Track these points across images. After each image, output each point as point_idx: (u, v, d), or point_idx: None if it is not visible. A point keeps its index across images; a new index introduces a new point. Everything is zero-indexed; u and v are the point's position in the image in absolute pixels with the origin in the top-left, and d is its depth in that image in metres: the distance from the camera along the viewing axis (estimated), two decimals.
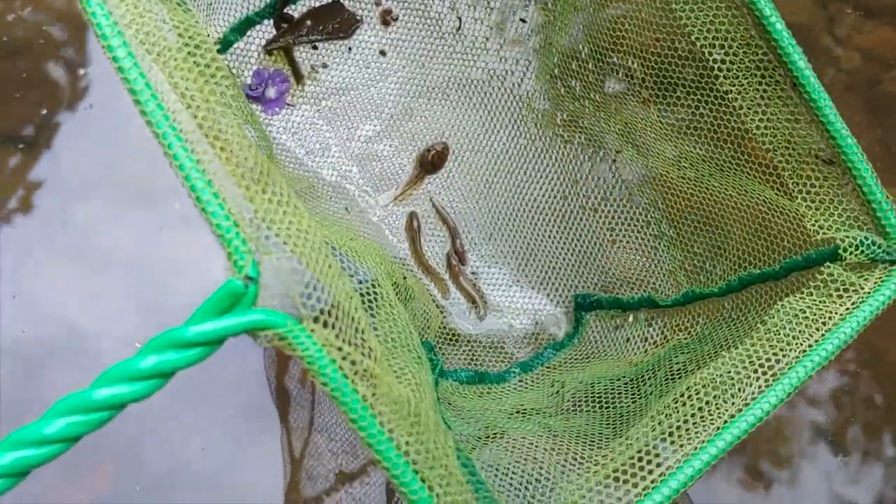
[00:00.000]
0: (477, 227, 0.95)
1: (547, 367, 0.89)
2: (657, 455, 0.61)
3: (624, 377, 0.82)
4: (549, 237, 0.94)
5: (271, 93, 0.87)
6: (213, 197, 0.53)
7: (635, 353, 0.86)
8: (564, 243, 0.93)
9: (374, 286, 0.67)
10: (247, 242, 0.52)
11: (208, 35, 0.61)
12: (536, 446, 0.71)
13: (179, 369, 0.52)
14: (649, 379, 0.80)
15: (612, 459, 0.62)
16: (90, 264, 1.09)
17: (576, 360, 0.89)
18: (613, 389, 0.81)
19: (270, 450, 0.98)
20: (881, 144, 1.26)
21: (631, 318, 0.89)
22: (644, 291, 0.88)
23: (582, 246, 0.92)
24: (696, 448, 0.61)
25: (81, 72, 1.19)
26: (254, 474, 0.98)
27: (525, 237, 0.94)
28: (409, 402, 0.55)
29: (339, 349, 0.53)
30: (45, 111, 1.17)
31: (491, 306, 0.93)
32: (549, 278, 0.94)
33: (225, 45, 0.83)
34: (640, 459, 0.61)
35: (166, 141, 0.53)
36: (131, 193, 1.10)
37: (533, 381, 0.87)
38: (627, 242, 0.89)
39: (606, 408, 0.79)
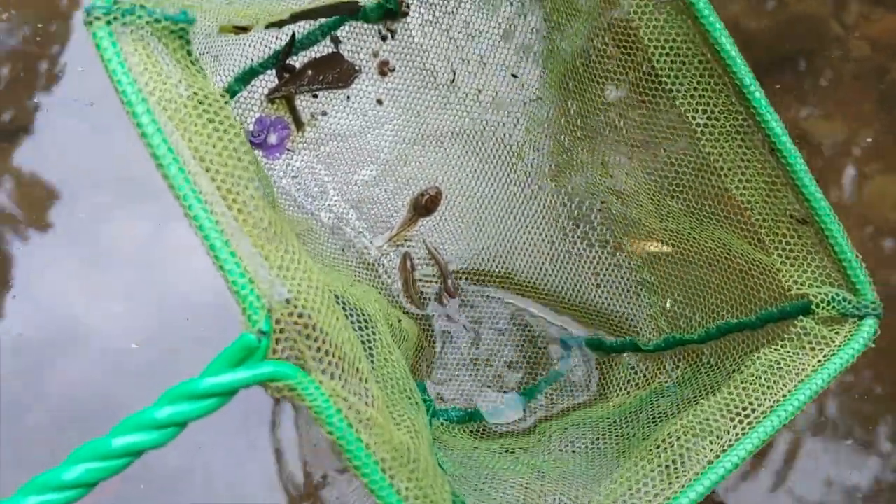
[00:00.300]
0: (467, 266, 0.99)
1: (532, 406, 0.93)
2: (640, 499, 0.65)
3: (608, 418, 0.86)
4: (538, 279, 0.97)
5: (273, 139, 0.90)
6: (230, 256, 0.56)
7: (618, 395, 0.90)
8: (554, 285, 0.97)
9: (373, 333, 0.71)
10: (261, 299, 0.56)
11: (217, 88, 0.64)
12: (527, 488, 0.75)
13: (194, 419, 0.55)
14: (633, 421, 0.84)
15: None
16: (91, 260, 1.10)
17: (561, 397, 0.93)
18: (597, 431, 0.85)
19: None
20: (890, 134, 1.27)
21: (615, 362, 0.93)
22: (627, 335, 0.92)
23: (571, 289, 0.96)
24: (676, 492, 0.65)
25: (80, 69, 1.20)
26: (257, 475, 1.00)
27: (514, 279, 0.98)
28: (409, 448, 0.59)
29: (345, 399, 0.57)
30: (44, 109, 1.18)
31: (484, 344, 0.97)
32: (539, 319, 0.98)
33: (230, 94, 0.86)
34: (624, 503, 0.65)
35: (187, 203, 0.56)
36: (132, 189, 1.11)
37: (522, 421, 0.91)
38: (611, 288, 0.93)
39: (591, 449, 0.83)
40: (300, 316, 0.57)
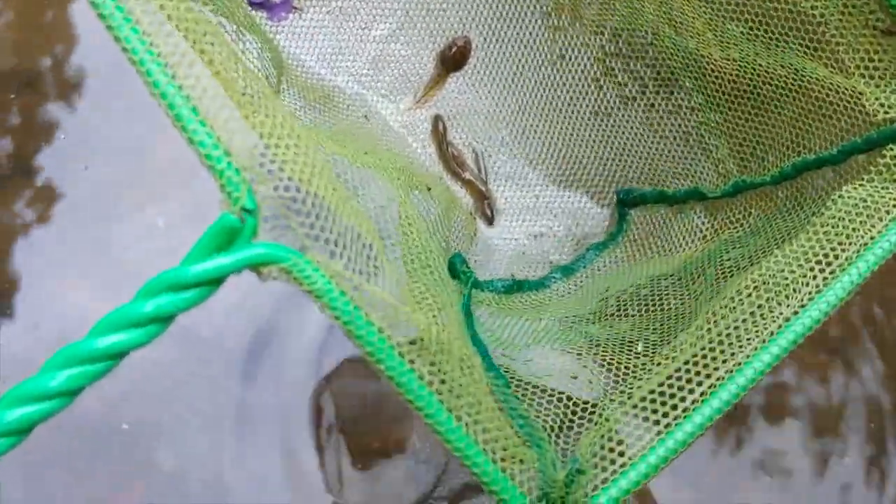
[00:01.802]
0: (507, 126, 0.89)
1: (590, 271, 0.84)
2: (706, 366, 0.57)
3: (671, 276, 0.77)
4: (586, 131, 0.87)
5: None
6: (199, 125, 0.48)
7: (684, 250, 0.80)
8: (602, 136, 0.87)
9: (389, 202, 0.63)
10: (240, 172, 0.48)
11: None
12: (580, 356, 0.67)
13: (180, 312, 0.49)
14: (698, 277, 0.74)
15: (656, 374, 0.58)
16: (98, 266, 1.07)
17: (620, 260, 0.84)
18: (660, 290, 0.76)
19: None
20: None
21: (678, 213, 0.83)
22: (691, 183, 0.82)
23: (621, 138, 0.86)
24: (748, 356, 0.57)
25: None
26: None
27: (559, 132, 0.88)
28: (430, 329, 0.52)
29: (349, 279, 0.49)
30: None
31: (525, 209, 0.88)
32: (588, 174, 0.88)
33: None
34: (687, 371, 0.57)
35: (144, 67, 0.48)
36: (138, 191, 1.07)
37: (575, 287, 0.83)
38: (670, 131, 0.83)
39: (653, 310, 0.74)
40: (287, 189, 0.49)
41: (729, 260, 0.72)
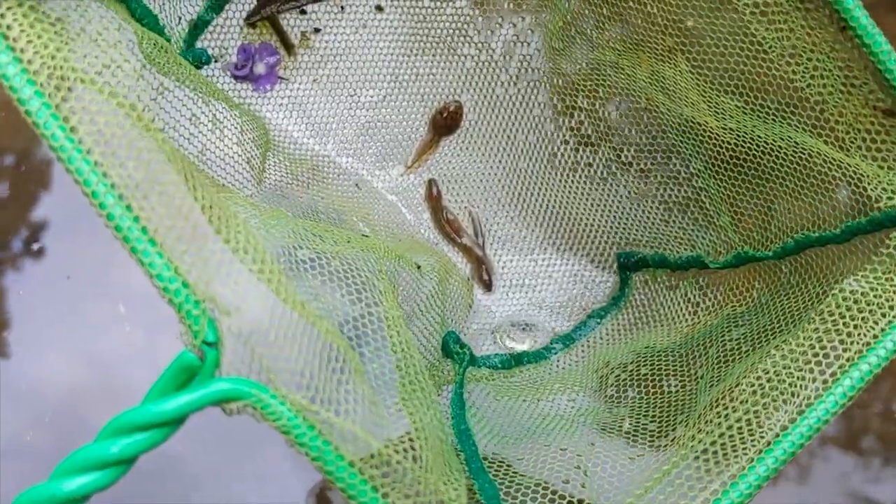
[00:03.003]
0: (503, 189, 0.87)
1: (591, 340, 0.82)
2: (699, 479, 0.55)
3: (673, 352, 0.74)
4: (583, 194, 0.85)
5: (260, 69, 0.79)
6: (157, 257, 0.47)
7: (686, 321, 0.78)
8: (600, 200, 0.84)
9: (371, 306, 0.60)
10: (200, 304, 0.46)
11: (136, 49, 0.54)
12: (578, 455, 0.65)
13: (142, 453, 0.47)
14: (700, 357, 0.72)
15: (647, 487, 0.56)
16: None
17: (622, 329, 0.82)
18: (661, 370, 0.73)
19: None
20: None
21: (680, 280, 0.80)
22: (693, 251, 0.79)
23: (620, 203, 0.83)
24: (743, 468, 0.54)
25: None
26: None
27: (556, 196, 0.86)
28: (405, 462, 0.50)
29: (317, 413, 0.47)
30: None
31: (523, 275, 0.86)
32: (587, 238, 0.86)
33: (201, 25, 0.75)
34: (680, 486, 0.55)
35: (97, 199, 0.46)
36: None
37: (575, 360, 0.80)
38: (669, 197, 0.80)
39: (653, 392, 0.72)
40: (252, 320, 0.47)
41: (731, 340, 0.70)
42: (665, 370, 0.73)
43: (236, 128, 0.70)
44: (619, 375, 0.75)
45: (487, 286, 0.85)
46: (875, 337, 0.56)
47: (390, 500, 0.48)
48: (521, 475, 0.63)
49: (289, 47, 0.80)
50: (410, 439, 0.52)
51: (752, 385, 0.57)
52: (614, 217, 0.84)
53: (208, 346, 0.47)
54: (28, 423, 1.04)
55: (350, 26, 0.81)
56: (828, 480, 0.99)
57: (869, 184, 0.60)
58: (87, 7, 0.53)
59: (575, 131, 0.84)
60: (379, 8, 0.81)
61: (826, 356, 0.56)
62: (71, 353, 1.08)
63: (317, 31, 0.81)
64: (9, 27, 0.47)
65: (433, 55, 0.83)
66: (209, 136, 0.66)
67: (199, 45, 0.76)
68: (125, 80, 0.51)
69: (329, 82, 0.82)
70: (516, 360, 0.80)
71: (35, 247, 1.13)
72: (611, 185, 0.83)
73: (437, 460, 0.54)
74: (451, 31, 0.82)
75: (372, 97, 0.83)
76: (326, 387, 0.49)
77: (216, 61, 0.78)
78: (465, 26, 0.82)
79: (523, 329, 0.83)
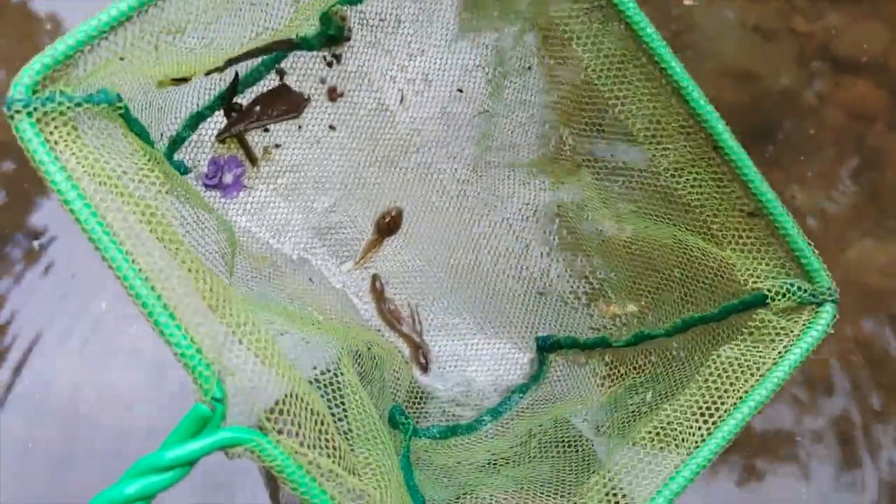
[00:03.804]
0: (437, 281, 1.00)
1: (516, 412, 0.94)
2: None
3: (586, 419, 0.87)
4: (506, 285, 0.98)
5: (228, 178, 0.91)
6: (176, 328, 0.57)
7: (595, 393, 0.91)
8: (521, 290, 0.98)
9: (336, 375, 0.72)
10: (210, 367, 0.57)
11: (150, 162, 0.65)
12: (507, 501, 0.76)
13: (160, 492, 0.57)
14: (607, 420, 0.85)
15: None
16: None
17: (542, 401, 0.94)
18: (575, 434, 0.86)
19: None
20: (870, 200, 1.31)
21: (589, 358, 0.94)
22: (598, 332, 0.93)
23: (534, 293, 0.97)
24: (646, 500, 0.67)
25: None
26: None
27: (483, 287, 0.99)
28: (375, 496, 0.60)
29: (305, 455, 0.58)
30: None
31: (457, 357, 0.98)
32: (511, 325, 0.99)
33: (179, 141, 0.87)
34: None
35: (128, 281, 0.57)
36: None
37: (503, 428, 0.92)
38: (577, 287, 0.94)
39: (569, 452, 0.84)
40: (251, 380, 0.58)
41: (633, 405, 0.83)
42: (579, 434, 0.86)
43: (213, 228, 0.81)
44: (540, 439, 0.87)
45: (424, 368, 0.97)
46: (746, 392, 0.70)
47: None
48: None
49: (253, 160, 0.92)
50: (378, 479, 0.63)
51: (650, 433, 0.70)
52: (531, 308, 0.98)
53: (216, 401, 0.57)
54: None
55: (306, 142, 0.94)
56: None
57: (738, 271, 0.76)
58: (105, 124, 0.64)
59: (501, 235, 0.98)
60: (332, 127, 0.94)
61: (708, 409, 0.70)
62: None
63: (277, 146, 0.93)
64: (55, 142, 0.58)
65: (379, 167, 0.96)
66: (194, 234, 0.76)
67: (175, 157, 0.88)
68: (141, 184, 0.62)
69: (287, 190, 0.94)
70: (452, 431, 0.92)
71: (37, 245, 1.20)
72: (529, 280, 0.97)
73: (398, 500, 0.65)
74: (393, 147, 0.96)
75: (324, 203, 0.96)
76: (310, 434, 0.60)
77: (190, 172, 0.89)
78: (405, 144, 0.96)
79: (460, 404, 0.95)
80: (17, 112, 0.56)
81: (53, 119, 0.58)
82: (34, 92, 0.57)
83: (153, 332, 0.58)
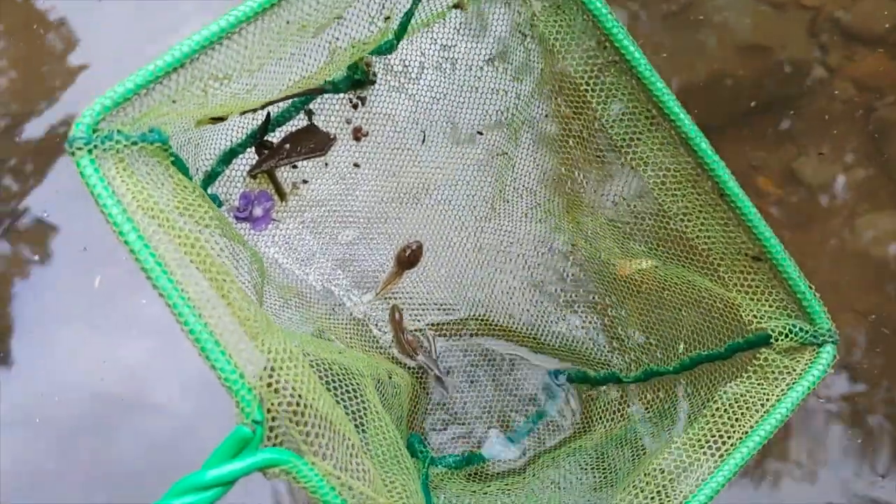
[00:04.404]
0: (456, 314, 1.04)
1: (529, 443, 0.98)
2: None
3: (594, 452, 0.91)
4: (522, 319, 1.02)
5: (258, 212, 0.95)
6: (221, 354, 0.61)
7: (603, 426, 0.95)
8: (534, 323, 1.02)
9: (363, 402, 0.76)
10: (252, 391, 0.61)
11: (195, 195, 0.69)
12: None
13: None
14: (617, 455, 0.88)
15: None
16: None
17: (553, 432, 0.98)
18: (585, 463, 0.90)
19: None
20: (880, 172, 1.32)
21: (599, 393, 0.98)
22: (609, 369, 0.97)
23: (551, 327, 1.01)
24: None
25: None
26: None
27: (500, 320, 1.03)
28: None
29: (338, 478, 0.62)
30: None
31: (472, 386, 1.02)
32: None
33: (213, 175, 0.91)
34: None
35: (178, 310, 0.61)
36: None
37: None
38: (589, 323, 0.98)
39: (579, 484, 0.88)
40: (289, 403, 0.62)
41: (642, 439, 0.87)
42: (589, 465, 0.90)
43: (246, 259, 0.85)
44: (551, 471, 0.91)
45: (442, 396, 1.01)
46: (751, 427, 0.73)
47: None
48: None
49: (282, 195, 0.97)
50: (404, 499, 0.67)
51: (660, 465, 0.74)
52: (545, 340, 1.02)
53: (256, 424, 0.61)
54: None
55: (332, 178, 0.98)
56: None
57: (743, 312, 0.80)
58: (153, 161, 0.68)
59: (518, 271, 1.02)
60: (356, 165, 0.99)
61: (716, 442, 0.73)
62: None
63: (305, 182, 0.98)
64: (112, 178, 0.62)
65: (400, 203, 1.01)
66: (229, 265, 0.81)
67: (209, 191, 0.92)
68: (188, 219, 0.66)
69: (313, 223, 0.99)
70: (467, 461, 0.95)
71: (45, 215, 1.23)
72: (545, 314, 1.01)
73: None
74: (415, 184, 1.00)
75: (348, 236, 1.00)
76: (342, 457, 0.64)
77: (223, 205, 0.94)
78: (427, 182, 1.00)
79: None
80: (79, 149, 0.61)
81: (111, 156, 0.62)
82: (94, 131, 0.62)
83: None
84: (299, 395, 0.62)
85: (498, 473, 0.94)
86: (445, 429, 0.99)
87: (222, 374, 0.61)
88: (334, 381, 0.76)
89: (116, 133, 0.62)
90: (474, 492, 0.89)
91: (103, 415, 1.16)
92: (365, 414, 0.75)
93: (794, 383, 0.76)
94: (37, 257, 1.24)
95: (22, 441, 1.14)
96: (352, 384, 0.76)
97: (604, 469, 0.88)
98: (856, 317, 1.18)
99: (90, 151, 0.61)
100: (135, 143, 0.63)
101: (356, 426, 0.73)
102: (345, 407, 0.74)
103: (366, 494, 0.62)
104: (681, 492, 0.72)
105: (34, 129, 1.33)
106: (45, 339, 1.20)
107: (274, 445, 0.61)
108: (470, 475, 0.94)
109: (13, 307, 1.22)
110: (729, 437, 0.74)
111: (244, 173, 0.95)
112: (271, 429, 0.61)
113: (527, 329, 1.03)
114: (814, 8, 1.44)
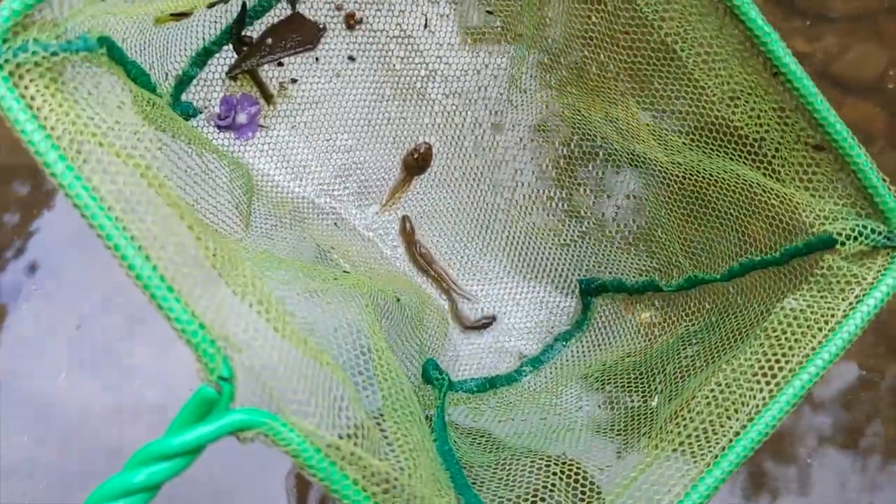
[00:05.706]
0: (470, 221, 0.93)
1: (558, 362, 0.88)
2: (664, 484, 0.61)
3: (633, 371, 0.81)
4: (545, 225, 0.91)
5: (242, 118, 0.84)
6: (175, 301, 0.51)
7: (644, 340, 0.84)
8: (560, 230, 0.91)
9: (360, 339, 0.66)
10: (215, 343, 0.51)
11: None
12: (547, 471, 0.71)
13: (166, 480, 0.52)
14: (658, 374, 0.78)
15: (616, 493, 0.62)
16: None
17: (587, 350, 0.88)
18: (623, 387, 0.80)
19: None
20: None
21: (637, 303, 0.87)
22: (648, 275, 0.86)
23: (578, 232, 0.90)
24: (701, 472, 0.61)
25: None
26: None
27: (519, 226, 0.92)
28: (402, 477, 0.55)
29: (323, 437, 0.53)
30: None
31: (492, 300, 0.92)
32: (550, 265, 0.92)
33: (186, 80, 0.80)
34: (646, 491, 0.61)
35: (119, 251, 0.51)
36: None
37: (545, 381, 0.86)
38: (624, 226, 0.87)
39: (617, 409, 0.78)
40: (261, 355, 0.53)
41: (686, 357, 0.76)
42: (627, 387, 0.79)
43: (225, 176, 0.75)
44: (584, 394, 0.81)
45: (459, 320, 0.91)
46: (813, 349, 0.62)
47: None
48: (505, 487, 0.69)
49: (268, 97, 0.85)
50: (406, 457, 0.58)
51: (707, 397, 0.63)
52: (575, 247, 0.91)
53: (223, 381, 0.52)
54: None
55: (324, 76, 0.87)
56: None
57: (803, 211, 0.67)
58: (94, 72, 0.58)
59: (539, 171, 0.90)
60: (351, 58, 0.87)
61: (771, 368, 0.63)
62: None
63: (294, 81, 0.86)
64: (32, 97, 0.52)
65: (404, 100, 0.89)
66: (203, 187, 0.70)
67: (184, 98, 0.81)
68: (133, 140, 0.55)
69: (306, 128, 0.88)
70: (490, 384, 0.86)
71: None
72: (571, 216, 0.90)
73: (429, 476, 0.59)
74: (420, 77, 0.88)
75: (347, 141, 0.89)
76: (329, 414, 0.54)
77: (200, 113, 0.83)
78: (433, 74, 0.88)
79: (497, 351, 0.89)
80: None
81: (28, 71, 0.51)
82: (4, 41, 0.51)
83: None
84: (273, 346, 0.53)
85: (523, 399, 0.85)
86: (463, 354, 0.89)
87: (178, 324, 0.51)
88: (326, 316, 0.66)
89: (33, 42, 0.51)
90: (500, 420, 0.80)
91: None
92: (362, 353, 0.65)
93: (864, 295, 0.64)
94: None
95: None
96: (346, 318, 0.67)
97: (643, 391, 0.78)
98: None
99: (1, 67, 0.51)
100: (55, 54, 0.52)
101: (352, 370, 0.64)
102: (338, 346, 0.64)
103: (357, 455, 0.53)
104: (730, 428, 0.62)
105: None
106: None
107: (247, 405, 0.53)
108: (492, 403, 0.84)
109: None
110: (787, 362, 0.63)
111: (223, 75, 0.83)
112: (240, 386, 0.52)
113: (553, 233, 0.91)
114: (803, 56, 1.32)
